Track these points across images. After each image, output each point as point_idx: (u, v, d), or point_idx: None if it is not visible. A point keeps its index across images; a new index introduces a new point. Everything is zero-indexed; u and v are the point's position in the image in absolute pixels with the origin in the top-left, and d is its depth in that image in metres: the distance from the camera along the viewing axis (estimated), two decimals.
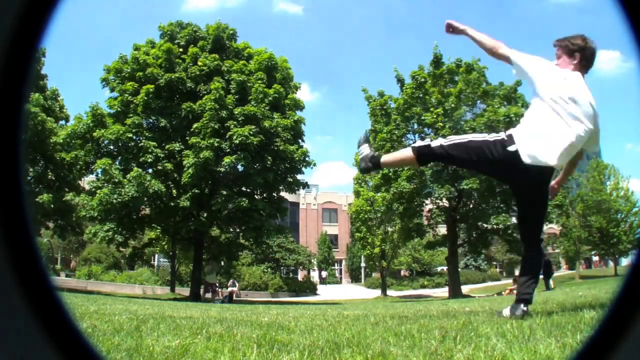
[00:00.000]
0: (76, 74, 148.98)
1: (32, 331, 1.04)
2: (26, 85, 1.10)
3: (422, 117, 33.61)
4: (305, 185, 36.01)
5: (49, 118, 32.14)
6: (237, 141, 29.53)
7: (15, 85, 1.07)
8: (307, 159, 33.50)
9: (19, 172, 1.08)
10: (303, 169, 34.01)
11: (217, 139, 29.73)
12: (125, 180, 28.61)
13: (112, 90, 32.21)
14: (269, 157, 31.07)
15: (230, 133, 29.84)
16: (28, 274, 1.05)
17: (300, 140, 34.36)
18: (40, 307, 1.05)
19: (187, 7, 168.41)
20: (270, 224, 32.36)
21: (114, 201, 28.25)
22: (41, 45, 1.12)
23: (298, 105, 34.54)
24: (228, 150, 30.28)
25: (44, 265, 1.11)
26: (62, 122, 35.64)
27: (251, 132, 29.61)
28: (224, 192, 30.12)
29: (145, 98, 30.23)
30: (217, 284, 33.53)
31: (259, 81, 31.75)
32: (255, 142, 29.55)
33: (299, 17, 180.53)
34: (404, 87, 35.45)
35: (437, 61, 35.09)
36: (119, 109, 30.94)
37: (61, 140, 31.58)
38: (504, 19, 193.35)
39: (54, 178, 34.09)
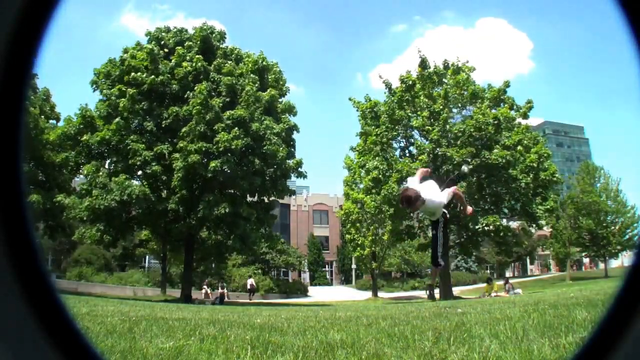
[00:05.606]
0: (71, 72, 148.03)
1: (32, 331, 1.03)
2: (26, 85, 1.10)
3: (410, 121, 33.71)
4: (293, 193, 35.92)
5: (41, 116, 32.05)
6: (222, 147, 29.39)
7: (15, 85, 1.06)
8: (299, 169, 33.47)
9: (19, 173, 1.08)
10: (294, 176, 34.05)
11: (205, 143, 29.58)
12: (113, 183, 28.54)
13: (101, 92, 32.04)
14: (257, 161, 30.86)
15: (216, 139, 29.70)
16: (28, 274, 1.04)
17: (293, 149, 34.19)
18: (41, 307, 1.05)
19: None
20: (257, 233, 32.24)
21: (101, 206, 28.21)
22: (41, 46, 1.12)
23: (291, 110, 34.34)
24: (216, 153, 30.08)
25: (44, 265, 1.11)
26: (53, 121, 35.45)
27: (235, 136, 29.46)
28: (208, 198, 29.94)
29: (128, 102, 30.12)
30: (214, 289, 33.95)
31: (251, 83, 31.55)
32: (238, 145, 29.35)
33: None
34: (393, 91, 35.55)
35: (423, 64, 35.15)
36: (108, 112, 30.82)
37: (52, 140, 31.49)
38: None
39: (44, 179, 33.86)
